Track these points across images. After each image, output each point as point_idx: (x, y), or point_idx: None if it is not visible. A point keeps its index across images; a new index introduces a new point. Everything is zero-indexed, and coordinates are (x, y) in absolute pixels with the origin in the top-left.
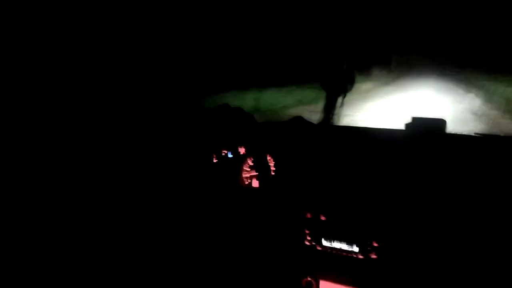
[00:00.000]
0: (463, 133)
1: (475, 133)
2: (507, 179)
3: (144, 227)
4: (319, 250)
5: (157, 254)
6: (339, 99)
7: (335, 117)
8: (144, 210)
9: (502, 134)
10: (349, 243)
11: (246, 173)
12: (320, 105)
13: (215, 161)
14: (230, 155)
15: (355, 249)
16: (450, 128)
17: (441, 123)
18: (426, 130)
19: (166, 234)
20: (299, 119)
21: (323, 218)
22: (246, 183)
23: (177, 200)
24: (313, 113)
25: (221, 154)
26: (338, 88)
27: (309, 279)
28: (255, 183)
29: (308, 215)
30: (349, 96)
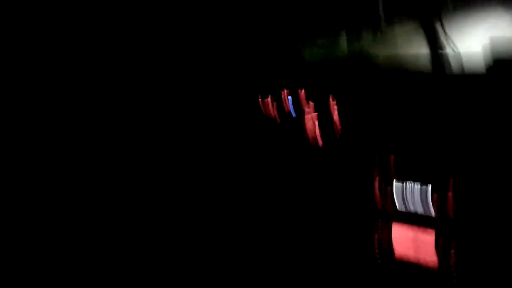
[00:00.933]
0: None
1: None
2: None
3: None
4: (390, 191)
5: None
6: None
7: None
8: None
9: None
10: (423, 182)
11: (308, 117)
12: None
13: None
14: (291, 103)
15: (429, 188)
16: None
17: None
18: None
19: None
20: (360, 55)
21: (393, 157)
22: (310, 127)
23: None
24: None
25: (285, 113)
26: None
27: (381, 222)
28: (318, 126)
29: (377, 157)
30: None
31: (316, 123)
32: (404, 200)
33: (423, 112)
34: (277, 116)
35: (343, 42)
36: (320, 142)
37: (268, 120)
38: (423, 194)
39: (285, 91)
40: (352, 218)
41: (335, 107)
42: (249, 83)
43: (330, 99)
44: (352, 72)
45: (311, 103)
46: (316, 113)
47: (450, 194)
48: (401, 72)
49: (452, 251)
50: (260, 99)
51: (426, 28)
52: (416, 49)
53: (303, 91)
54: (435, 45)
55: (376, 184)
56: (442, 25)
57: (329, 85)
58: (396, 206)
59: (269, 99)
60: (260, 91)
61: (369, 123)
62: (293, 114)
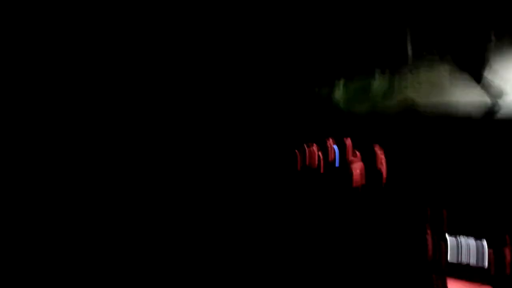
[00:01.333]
0: None
1: None
2: None
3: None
4: (445, 251)
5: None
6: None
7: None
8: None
9: None
10: (478, 238)
11: (356, 172)
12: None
13: (321, 171)
14: (337, 152)
15: (485, 243)
16: None
17: None
18: None
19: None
20: (409, 107)
21: (445, 211)
22: (356, 176)
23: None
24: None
25: (328, 161)
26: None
27: (436, 278)
28: (364, 176)
29: (429, 211)
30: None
31: (363, 173)
32: (458, 255)
33: (474, 163)
34: (321, 165)
35: (381, 88)
36: (366, 193)
37: (311, 170)
38: (479, 249)
39: (331, 139)
40: (406, 273)
41: (383, 157)
42: (293, 130)
43: (377, 150)
44: (398, 121)
45: (358, 153)
46: (363, 163)
47: (507, 249)
48: (448, 119)
49: None
50: (304, 148)
51: (471, 71)
52: (462, 95)
53: (349, 140)
54: (483, 90)
55: (429, 239)
56: (488, 66)
57: (375, 134)
58: (449, 261)
59: (314, 147)
60: (305, 139)
61: (419, 174)
62: (337, 164)
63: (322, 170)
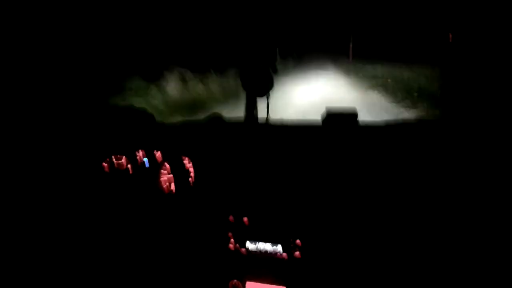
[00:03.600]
0: (371, 123)
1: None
2: (415, 166)
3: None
4: (244, 252)
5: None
6: (256, 98)
7: (253, 115)
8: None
9: (401, 122)
10: (274, 243)
11: (164, 179)
12: (238, 102)
13: (131, 172)
14: (147, 165)
15: (279, 249)
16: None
17: (354, 113)
18: (341, 120)
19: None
20: (217, 119)
21: (246, 219)
22: (165, 188)
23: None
24: (231, 110)
25: (137, 163)
26: (257, 86)
27: (235, 281)
28: (174, 188)
29: (231, 218)
30: (265, 93)
31: (172, 185)
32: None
33: (275, 175)
34: (131, 175)
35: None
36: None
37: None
38: (274, 252)
39: (141, 152)
40: (206, 280)
41: (191, 169)
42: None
43: (186, 162)
44: (207, 132)
45: (167, 165)
46: (172, 175)
47: (297, 253)
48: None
49: None
50: (111, 160)
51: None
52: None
53: (159, 153)
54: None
55: (231, 246)
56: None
57: (186, 146)
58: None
59: (123, 160)
60: (113, 151)
61: (224, 185)
62: (146, 174)
63: (131, 179)
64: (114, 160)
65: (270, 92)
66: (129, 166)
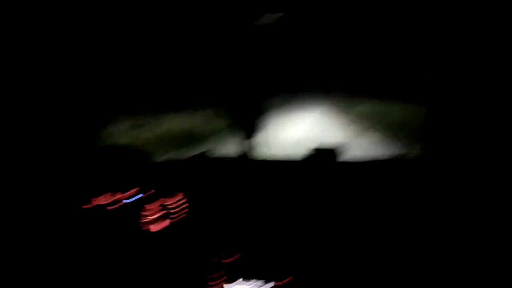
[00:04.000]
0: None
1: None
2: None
3: None
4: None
5: None
6: (245, 132)
7: (243, 151)
8: None
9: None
10: (267, 281)
11: (149, 217)
12: (228, 139)
13: (110, 208)
14: (127, 201)
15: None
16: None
17: (335, 151)
18: (324, 158)
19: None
20: (206, 156)
21: (236, 256)
22: (150, 227)
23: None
24: (221, 147)
25: (119, 201)
26: (247, 123)
27: None
28: (159, 227)
29: (218, 257)
30: (256, 130)
31: (163, 224)
32: None
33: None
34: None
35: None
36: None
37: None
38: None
39: (134, 190)
40: None
41: (184, 206)
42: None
43: (179, 197)
44: (199, 168)
45: (158, 204)
46: (160, 214)
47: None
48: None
49: None
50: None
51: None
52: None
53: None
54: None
55: (222, 285)
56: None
57: (179, 184)
58: None
59: (118, 195)
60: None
61: (217, 219)
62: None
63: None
64: (104, 198)
65: (260, 128)
66: (119, 203)
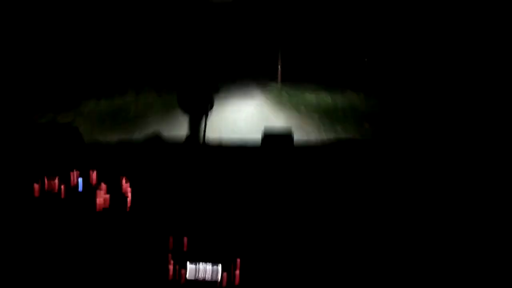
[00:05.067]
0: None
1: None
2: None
3: None
4: (185, 275)
5: None
6: (195, 116)
7: (192, 134)
8: None
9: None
10: (214, 263)
11: (100, 200)
12: (175, 121)
13: (62, 197)
14: (80, 189)
15: (220, 268)
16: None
17: (290, 133)
18: (280, 140)
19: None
20: (156, 138)
21: (186, 239)
22: (101, 208)
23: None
24: (169, 128)
25: (70, 186)
26: (195, 105)
27: None
28: (109, 207)
29: (171, 239)
30: (204, 113)
31: (108, 202)
32: (196, 275)
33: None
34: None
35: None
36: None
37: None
38: (213, 274)
39: (75, 172)
40: None
41: (129, 189)
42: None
43: (124, 181)
44: (145, 151)
45: (104, 185)
46: (109, 195)
47: (237, 272)
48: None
49: None
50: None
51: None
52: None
53: (94, 172)
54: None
55: (170, 267)
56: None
57: (123, 166)
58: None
59: (56, 180)
60: (46, 172)
61: (163, 204)
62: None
63: (63, 197)
64: (45, 181)
65: (209, 111)
66: (62, 187)
